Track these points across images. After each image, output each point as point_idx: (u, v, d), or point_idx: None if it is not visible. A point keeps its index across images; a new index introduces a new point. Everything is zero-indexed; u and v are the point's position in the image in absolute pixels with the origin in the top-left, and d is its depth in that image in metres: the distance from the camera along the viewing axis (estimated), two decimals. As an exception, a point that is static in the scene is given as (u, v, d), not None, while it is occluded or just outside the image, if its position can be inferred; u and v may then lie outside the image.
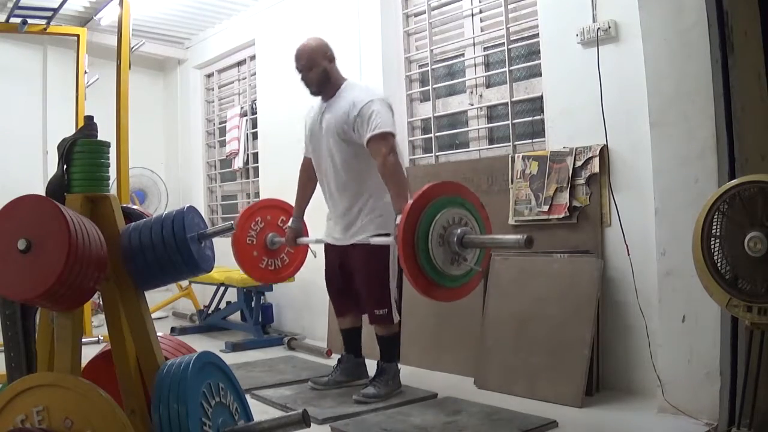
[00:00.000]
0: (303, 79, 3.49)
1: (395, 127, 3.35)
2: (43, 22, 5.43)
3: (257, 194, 6.30)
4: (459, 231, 2.55)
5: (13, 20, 5.27)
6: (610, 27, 3.43)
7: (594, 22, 3.51)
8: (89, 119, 1.89)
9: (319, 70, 3.43)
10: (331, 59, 3.48)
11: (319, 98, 3.54)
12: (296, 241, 3.71)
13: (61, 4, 5.20)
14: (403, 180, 3.28)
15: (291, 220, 3.73)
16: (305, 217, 3.78)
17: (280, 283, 4.06)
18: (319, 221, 3.73)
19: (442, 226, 2.54)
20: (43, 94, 6.48)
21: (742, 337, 2.51)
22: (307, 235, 3.79)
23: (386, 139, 3.25)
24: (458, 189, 2.71)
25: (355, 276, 3.51)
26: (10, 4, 5.34)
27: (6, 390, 1.59)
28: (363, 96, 3.33)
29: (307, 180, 3.74)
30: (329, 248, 3.66)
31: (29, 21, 5.30)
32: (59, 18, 5.57)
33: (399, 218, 2.93)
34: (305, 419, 1.66)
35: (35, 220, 1.52)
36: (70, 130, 1.91)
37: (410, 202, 2.54)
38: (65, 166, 1.81)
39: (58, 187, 1.80)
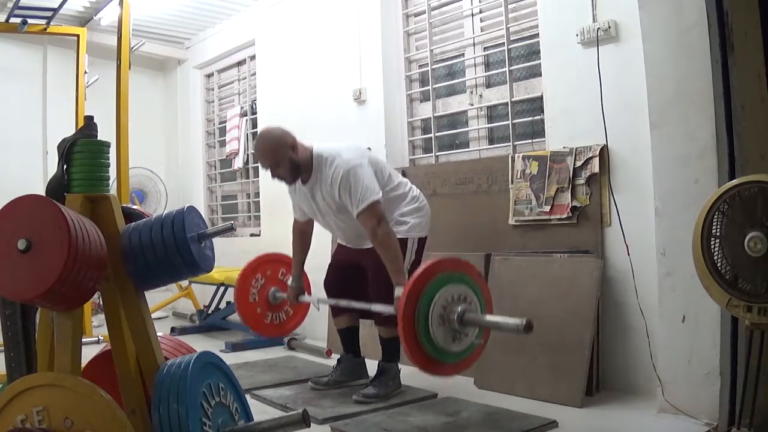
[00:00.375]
0: (274, 176, 3.36)
1: (376, 184, 3.26)
2: (43, 22, 5.43)
3: (257, 194, 6.30)
4: (459, 309, 2.64)
5: (13, 20, 5.27)
6: (610, 27, 3.43)
7: (594, 22, 3.51)
8: (89, 119, 1.90)
9: (286, 164, 3.28)
10: (294, 145, 3.28)
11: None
12: (298, 299, 3.72)
13: (61, 4, 5.20)
14: (395, 249, 3.21)
15: (291, 279, 3.72)
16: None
17: (285, 336, 4.09)
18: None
19: (442, 306, 2.65)
20: (43, 94, 6.46)
21: (742, 337, 2.51)
22: (309, 289, 3.82)
23: (372, 210, 3.19)
24: (456, 264, 2.80)
25: (368, 274, 3.49)
26: (10, 4, 5.34)
27: (6, 390, 1.59)
28: (337, 170, 3.23)
29: (302, 241, 3.72)
30: (341, 246, 3.69)
31: (29, 21, 5.30)
32: (59, 18, 5.57)
33: (397, 290, 3.07)
34: (305, 419, 1.66)
35: (35, 220, 1.52)
36: (70, 130, 1.92)
37: (409, 283, 2.63)
38: (65, 166, 1.81)
39: (58, 187, 1.80)
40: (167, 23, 6.65)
